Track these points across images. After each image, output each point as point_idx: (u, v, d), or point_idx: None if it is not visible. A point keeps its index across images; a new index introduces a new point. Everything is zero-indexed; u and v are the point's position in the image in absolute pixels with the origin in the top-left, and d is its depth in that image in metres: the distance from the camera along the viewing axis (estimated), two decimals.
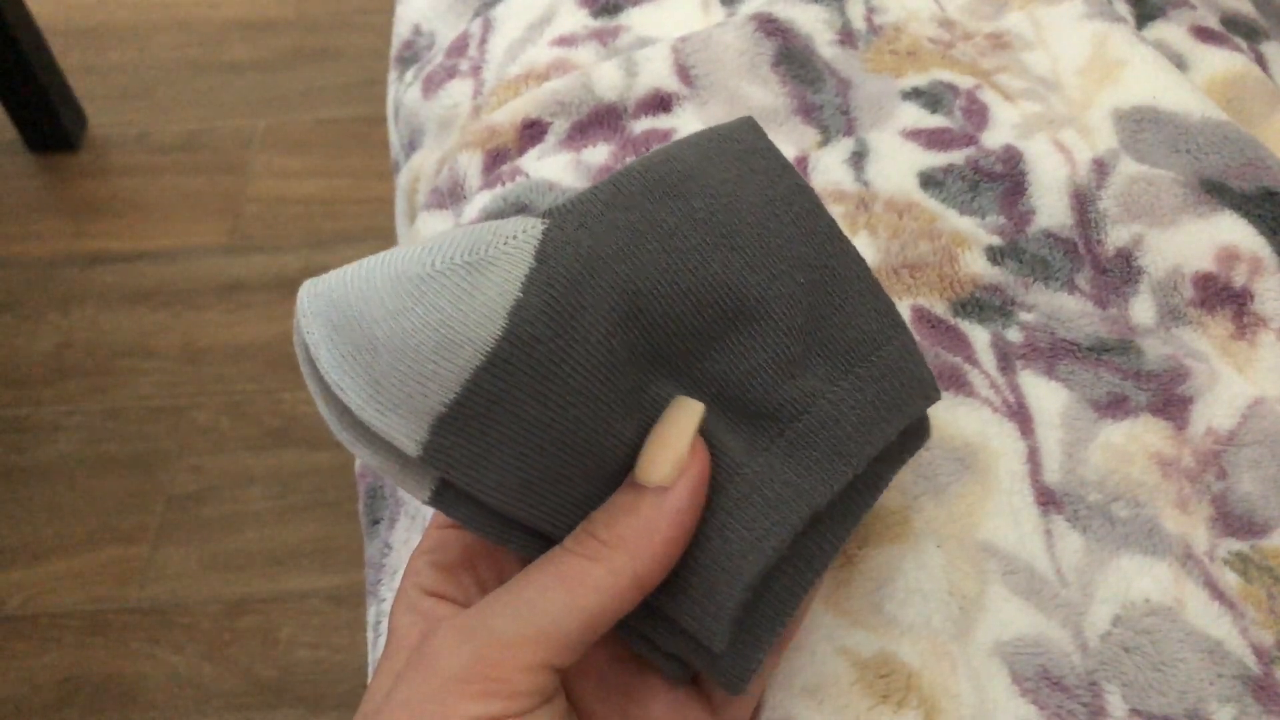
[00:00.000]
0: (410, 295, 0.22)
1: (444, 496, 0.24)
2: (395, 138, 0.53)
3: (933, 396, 0.28)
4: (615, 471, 0.24)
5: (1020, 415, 0.33)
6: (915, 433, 0.29)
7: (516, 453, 0.23)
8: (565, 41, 0.46)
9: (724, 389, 0.26)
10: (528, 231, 0.23)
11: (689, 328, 0.25)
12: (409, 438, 0.23)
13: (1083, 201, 0.38)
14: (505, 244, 0.23)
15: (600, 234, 0.24)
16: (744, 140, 0.27)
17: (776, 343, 0.26)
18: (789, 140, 0.42)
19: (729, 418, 0.26)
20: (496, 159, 0.43)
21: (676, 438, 0.24)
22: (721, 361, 0.25)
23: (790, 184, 0.27)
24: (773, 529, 0.24)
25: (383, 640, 0.35)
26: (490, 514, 0.25)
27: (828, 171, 0.40)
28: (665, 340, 0.25)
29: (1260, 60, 0.46)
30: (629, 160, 0.41)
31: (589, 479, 0.24)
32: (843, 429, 0.26)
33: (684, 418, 0.24)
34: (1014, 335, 0.35)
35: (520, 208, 0.40)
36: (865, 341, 0.27)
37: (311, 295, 0.23)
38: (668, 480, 0.23)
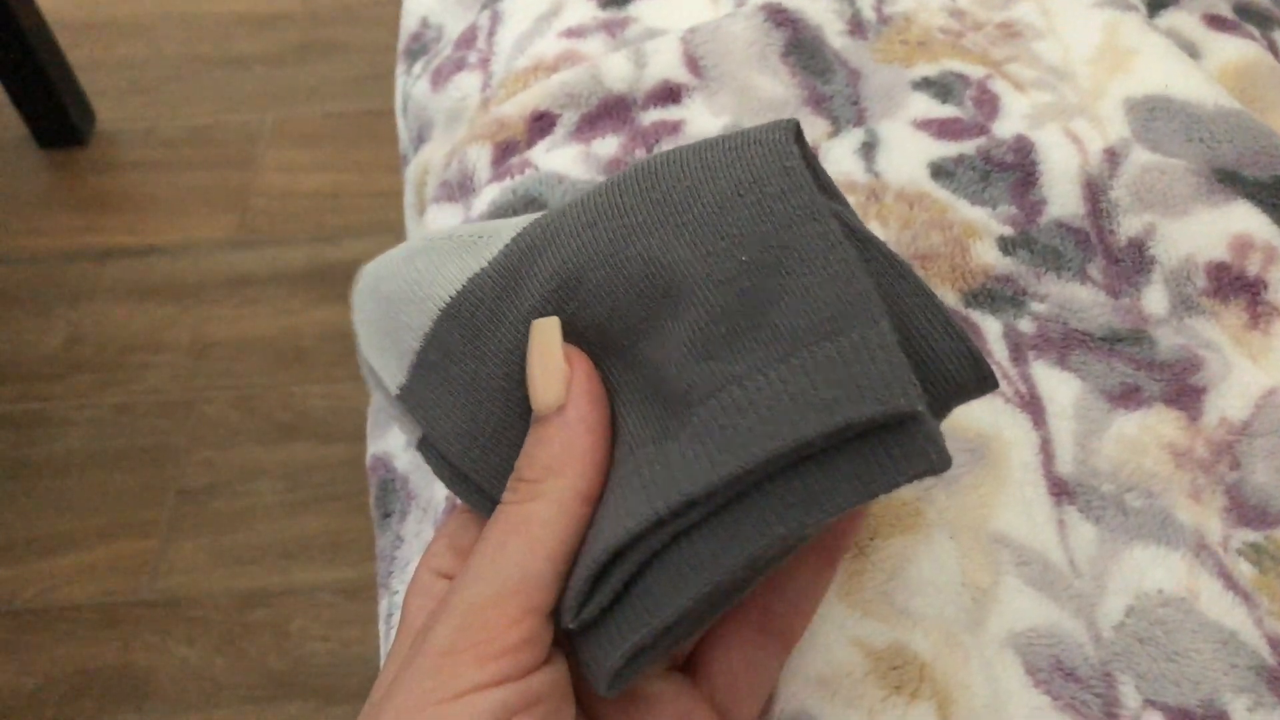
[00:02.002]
0: (407, 259, 0.27)
1: (424, 444, 0.26)
2: (404, 131, 0.53)
3: (891, 402, 0.21)
4: None
5: (1033, 406, 0.33)
6: (903, 455, 0.21)
7: (462, 404, 0.25)
8: (574, 33, 0.46)
9: (653, 370, 0.25)
10: (526, 219, 0.26)
11: (624, 305, 0.25)
12: (393, 379, 0.26)
13: (1095, 191, 0.38)
14: (504, 228, 0.26)
15: (570, 215, 0.26)
16: (755, 134, 0.26)
17: (697, 322, 0.24)
18: None
19: (653, 401, 0.25)
20: (506, 151, 0.43)
21: (547, 357, 0.24)
22: (653, 341, 0.25)
23: (776, 166, 0.25)
24: (632, 512, 0.22)
25: (394, 632, 0.35)
26: (453, 467, 0.26)
27: (838, 162, 0.40)
28: (605, 317, 0.25)
29: (1273, 48, 0.45)
30: (639, 152, 0.41)
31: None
32: (745, 419, 0.22)
33: (543, 336, 0.25)
34: (1026, 326, 0.35)
35: (529, 200, 0.40)
36: (814, 330, 0.22)
37: (365, 268, 0.28)
38: (559, 397, 0.24)
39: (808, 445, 0.21)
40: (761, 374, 0.22)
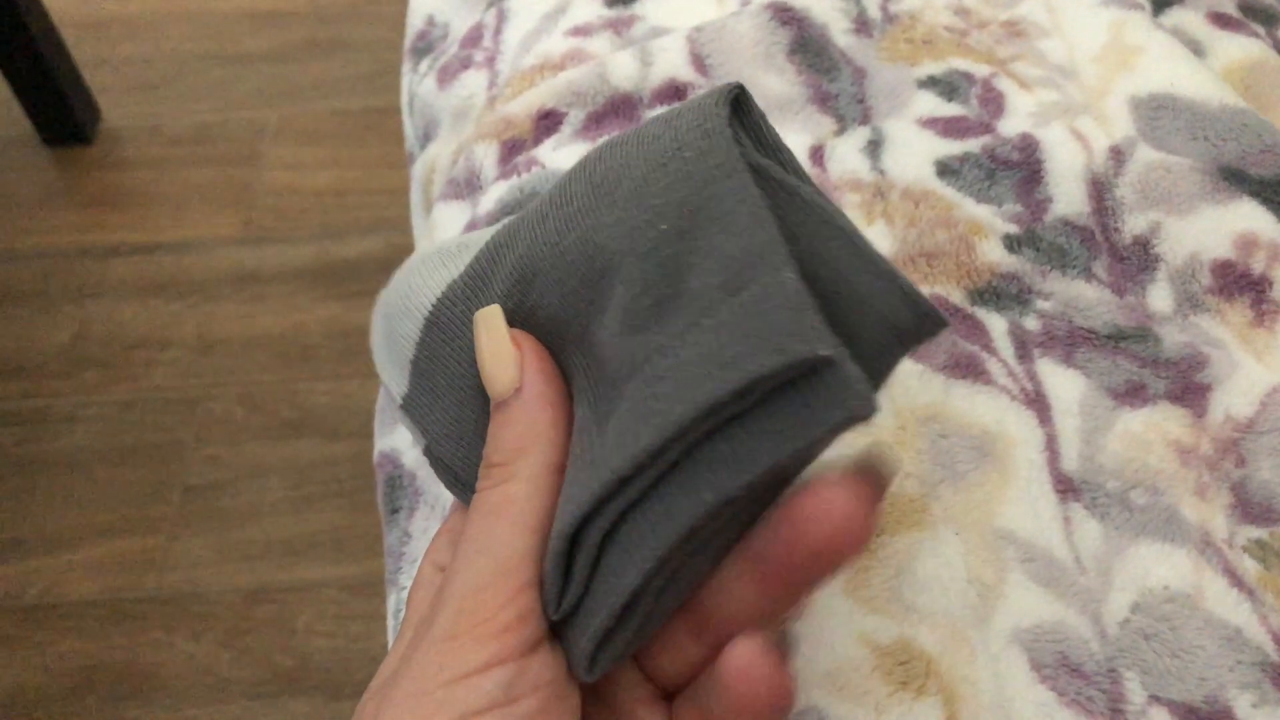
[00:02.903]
0: (404, 275, 0.28)
1: (428, 450, 0.27)
2: (410, 129, 0.53)
3: (791, 349, 0.20)
4: None
5: (1038, 403, 0.34)
6: (821, 403, 0.20)
7: (448, 406, 0.26)
8: (580, 32, 0.46)
9: (598, 352, 0.24)
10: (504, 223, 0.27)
11: (571, 292, 0.25)
12: (398, 390, 0.27)
13: (1100, 189, 0.38)
14: (485, 234, 0.27)
15: (531, 210, 0.26)
16: (691, 103, 0.25)
17: (625, 297, 0.23)
18: (805, 129, 0.42)
19: (601, 384, 0.24)
20: (512, 149, 0.43)
21: (494, 343, 0.25)
22: (597, 324, 0.24)
23: (700, 130, 0.24)
24: (576, 496, 0.22)
25: None
26: (455, 472, 0.27)
27: (844, 160, 0.40)
28: (558, 306, 0.25)
29: (1278, 47, 0.45)
30: None
31: None
32: (665, 388, 0.21)
33: (489, 323, 0.25)
34: (1031, 323, 0.35)
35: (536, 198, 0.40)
36: (723, 288, 0.22)
37: (382, 291, 0.29)
38: (513, 380, 0.25)
39: (721, 407, 0.20)
40: (679, 339, 0.22)
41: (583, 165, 0.26)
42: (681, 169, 0.23)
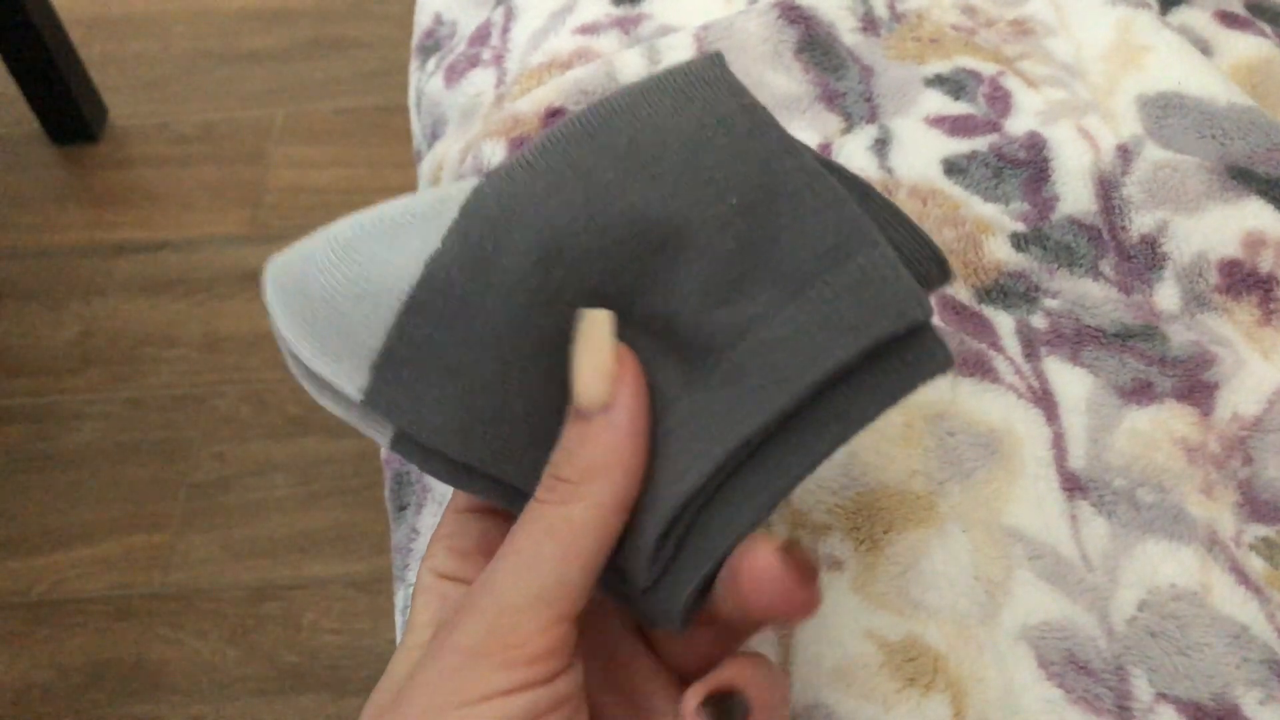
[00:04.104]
0: (340, 253, 0.25)
1: (402, 443, 0.25)
2: (417, 127, 0.53)
3: (910, 314, 0.23)
4: (561, 408, 0.24)
5: (1045, 401, 0.34)
6: (916, 360, 0.23)
7: (450, 395, 0.24)
8: (588, 30, 0.47)
9: (663, 325, 0.25)
10: (460, 189, 0.25)
11: (616, 265, 0.24)
12: (351, 384, 0.25)
13: (1107, 188, 0.38)
14: (439, 202, 0.25)
15: (521, 181, 0.24)
16: (694, 72, 0.25)
17: (704, 271, 0.24)
18: (812, 127, 0.42)
19: (668, 355, 0.25)
20: (520, 147, 0.43)
21: (597, 352, 0.23)
22: (656, 297, 0.24)
23: (735, 105, 0.25)
24: (694, 463, 0.23)
25: None
26: (446, 459, 0.25)
27: (851, 159, 0.40)
28: (597, 280, 0.24)
29: None
30: None
31: (533, 420, 0.25)
32: (781, 354, 0.23)
33: (595, 331, 0.24)
34: (1039, 321, 0.35)
35: None
36: (819, 260, 0.24)
37: (271, 265, 0.26)
38: (606, 396, 0.23)
39: (844, 368, 0.23)
40: (783, 310, 0.24)
41: (580, 136, 0.24)
42: (734, 144, 0.24)
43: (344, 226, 0.25)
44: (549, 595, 0.22)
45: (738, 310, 0.24)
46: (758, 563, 0.22)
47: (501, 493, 0.26)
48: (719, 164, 0.24)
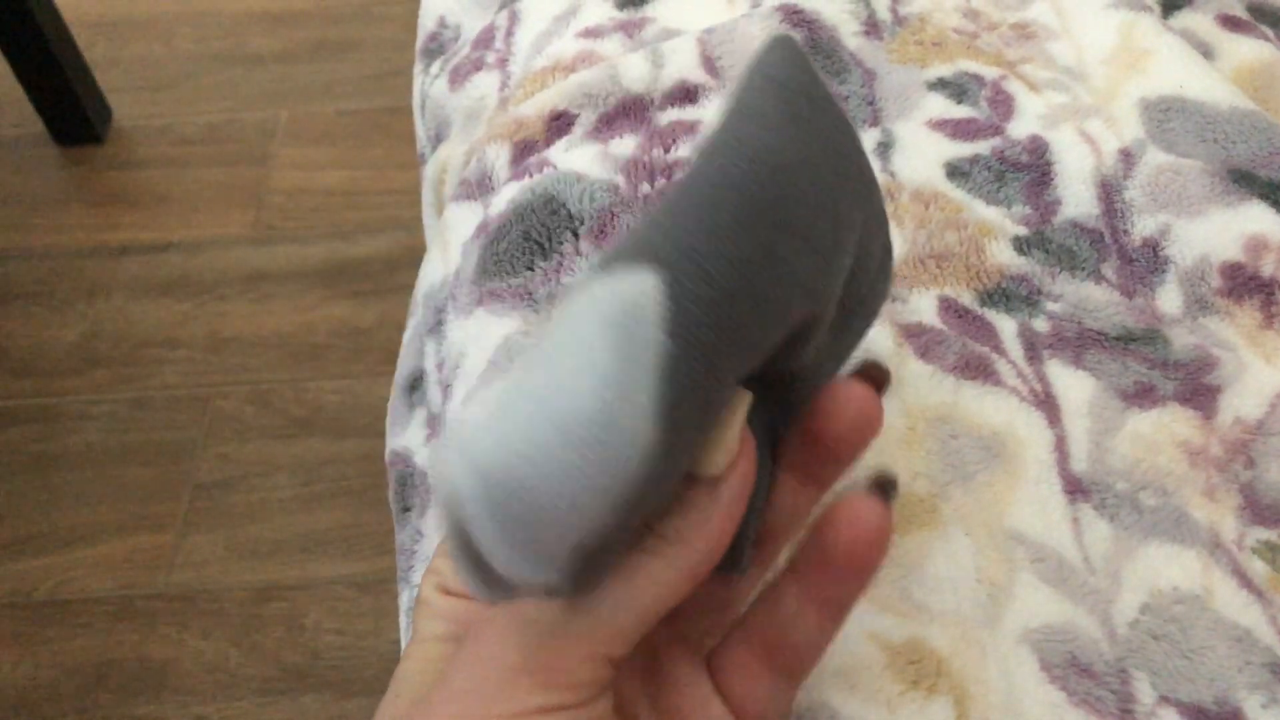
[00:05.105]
0: (562, 448, 0.18)
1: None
2: (421, 130, 0.53)
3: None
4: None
5: (1047, 404, 0.34)
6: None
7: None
8: (591, 33, 0.47)
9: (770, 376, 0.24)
10: (644, 304, 0.19)
11: (775, 345, 0.23)
12: (532, 574, 0.20)
13: (1109, 191, 0.38)
14: (629, 341, 0.19)
15: (719, 281, 0.20)
16: (795, 85, 0.23)
17: (819, 341, 0.24)
18: None
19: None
20: (524, 151, 0.43)
21: (727, 427, 0.23)
22: (780, 365, 0.24)
23: (842, 138, 0.24)
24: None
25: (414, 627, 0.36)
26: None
27: None
28: (759, 360, 0.23)
29: None
30: (655, 152, 0.41)
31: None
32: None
33: (738, 405, 0.23)
34: (1041, 325, 0.36)
35: (548, 199, 0.40)
36: (866, 296, 0.26)
37: (484, 467, 0.19)
38: (719, 469, 0.23)
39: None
40: (836, 343, 0.27)
41: (775, 208, 0.21)
42: (851, 190, 0.24)
43: (546, 417, 0.19)
44: (600, 629, 0.22)
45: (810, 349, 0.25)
46: (853, 512, 0.24)
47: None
48: (843, 220, 0.23)
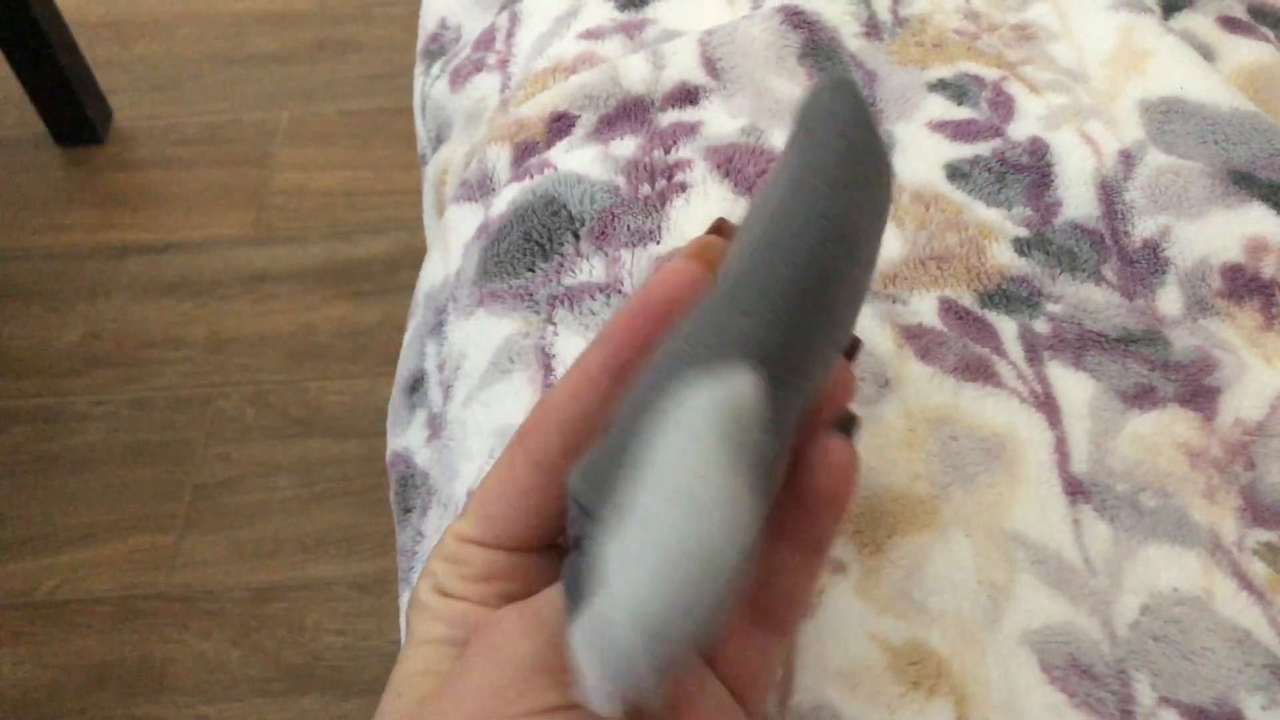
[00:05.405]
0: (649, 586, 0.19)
1: None
2: (422, 130, 0.53)
3: None
4: None
5: (1048, 406, 0.34)
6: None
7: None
8: (592, 35, 0.47)
9: None
10: (748, 407, 0.20)
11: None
12: (635, 688, 0.20)
13: (1110, 193, 0.38)
14: (737, 450, 0.20)
15: (800, 367, 0.22)
16: (861, 143, 0.23)
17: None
18: None
19: None
20: (525, 152, 0.43)
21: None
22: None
23: (888, 188, 0.25)
24: None
25: None
26: None
27: None
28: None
29: None
30: (656, 153, 0.41)
31: None
32: None
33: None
34: (1041, 326, 0.36)
35: (549, 200, 0.40)
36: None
37: (634, 624, 0.19)
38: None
39: None
40: None
41: (836, 282, 0.22)
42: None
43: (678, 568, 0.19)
44: None
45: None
46: (833, 455, 0.24)
47: None
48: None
